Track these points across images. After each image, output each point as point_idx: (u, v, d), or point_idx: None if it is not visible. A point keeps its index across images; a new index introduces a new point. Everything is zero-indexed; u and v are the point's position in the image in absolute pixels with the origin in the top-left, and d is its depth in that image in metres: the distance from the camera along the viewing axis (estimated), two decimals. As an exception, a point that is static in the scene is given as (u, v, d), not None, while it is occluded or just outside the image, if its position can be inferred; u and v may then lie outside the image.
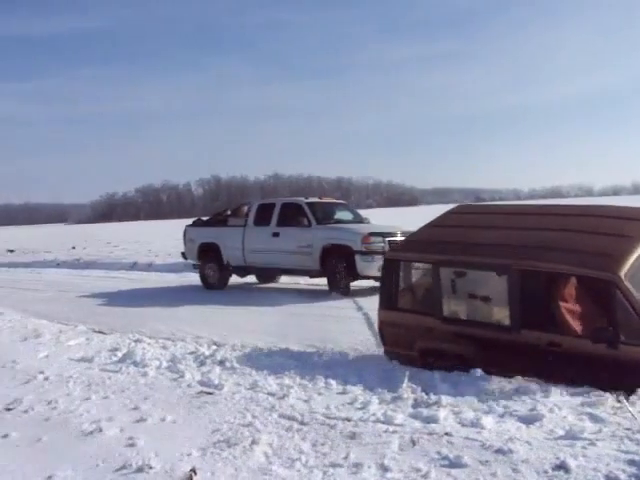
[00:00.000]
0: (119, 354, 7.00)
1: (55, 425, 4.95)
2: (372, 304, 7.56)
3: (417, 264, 6.41)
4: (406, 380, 5.36)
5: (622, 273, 5.06)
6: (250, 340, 7.51)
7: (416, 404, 4.91)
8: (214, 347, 7.10)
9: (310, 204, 13.61)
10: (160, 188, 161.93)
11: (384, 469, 3.81)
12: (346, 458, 3.99)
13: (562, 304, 5.41)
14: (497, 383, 5.21)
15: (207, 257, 14.66)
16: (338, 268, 11.81)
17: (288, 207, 13.78)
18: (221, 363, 6.35)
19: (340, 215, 14.09)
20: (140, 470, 3.99)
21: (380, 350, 6.45)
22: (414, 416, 4.65)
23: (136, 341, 7.72)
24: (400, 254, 6.52)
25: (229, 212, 15.54)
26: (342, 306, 10.27)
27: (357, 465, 3.87)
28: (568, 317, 5.37)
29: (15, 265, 23.94)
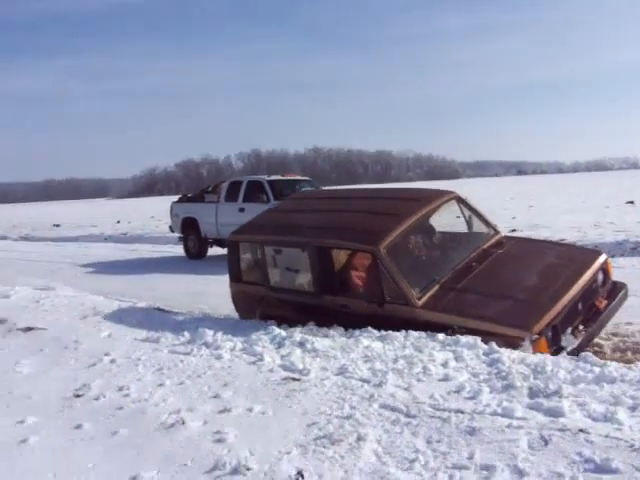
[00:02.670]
0: (186, 334, 6.48)
1: (131, 415, 4.47)
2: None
3: (253, 244, 7.30)
4: (514, 364, 4.79)
5: (382, 247, 6.04)
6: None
7: (532, 393, 4.30)
8: (290, 327, 6.57)
9: (270, 182, 15.18)
10: (200, 162, 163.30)
11: (519, 473, 3.25)
12: (471, 459, 3.44)
13: (352, 273, 6.54)
14: (615, 370, 4.62)
15: (189, 230, 16.48)
16: None
17: (252, 184, 15.36)
18: (301, 345, 5.81)
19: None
20: (236, 471, 3.51)
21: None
22: (534, 408, 4.04)
23: (202, 319, 7.24)
24: (238, 236, 7.45)
25: (210, 189, 16.88)
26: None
27: (487, 467, 3.32)
28: (353, 284, 6.49)
29: (62, 239, 23.90)
